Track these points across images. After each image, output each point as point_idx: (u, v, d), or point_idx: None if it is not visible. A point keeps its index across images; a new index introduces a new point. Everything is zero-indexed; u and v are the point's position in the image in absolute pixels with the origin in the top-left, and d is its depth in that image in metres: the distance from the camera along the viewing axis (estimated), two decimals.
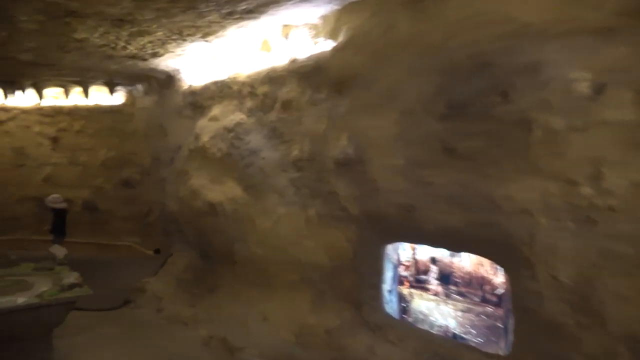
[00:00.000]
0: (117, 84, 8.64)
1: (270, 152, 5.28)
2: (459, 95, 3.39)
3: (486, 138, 3.29)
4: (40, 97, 8.85)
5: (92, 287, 7.15)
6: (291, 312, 4.98)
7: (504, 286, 3.87)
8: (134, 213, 9.12)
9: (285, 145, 5.11)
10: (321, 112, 4.65)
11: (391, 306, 4.43)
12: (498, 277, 4.24)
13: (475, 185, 3.36)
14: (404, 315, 4.62)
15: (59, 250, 5.64)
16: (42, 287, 4.70)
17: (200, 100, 6.65)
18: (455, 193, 3.47)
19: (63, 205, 8.35)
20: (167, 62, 6.64)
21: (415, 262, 4.96)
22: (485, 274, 4.36)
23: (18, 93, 8.58)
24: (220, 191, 5.77)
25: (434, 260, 4.96)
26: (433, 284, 4.86)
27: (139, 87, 8.76)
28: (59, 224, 8.40)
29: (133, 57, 6.28)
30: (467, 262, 4.51)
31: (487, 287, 4.34)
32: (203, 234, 6.21)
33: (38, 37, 5.32)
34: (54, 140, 9.62)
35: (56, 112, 9.51)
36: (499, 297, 4.24)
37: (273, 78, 5.23)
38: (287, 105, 5.06)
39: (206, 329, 5.35)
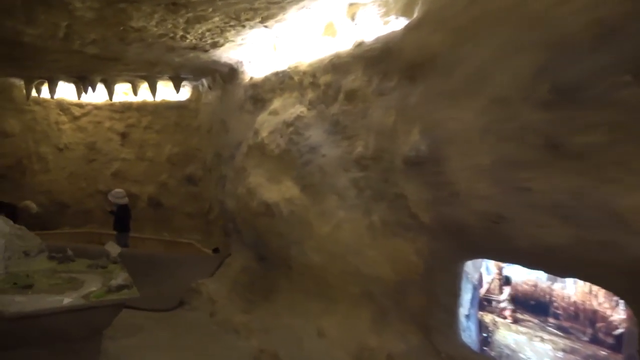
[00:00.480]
0: (183, 79, 8.53)
1: (331, 149, 4.72)
2: (569, 76, 2.62)
3: (608, 131, 2.49)
4: (111, 93, 8.98)
5: (149, 286, 7.00)
6: (350, 330, 4.39)
7: (626, 325, 3.01)
8: (196, 210, 9.01)
9: (347, 141, 4.53)
10: (390, 102, 4.02)
11: (469, 335, 3.70)
12: (617, 313, 3.35)
13: (591, 192, 2.57)
14: (484, 348, 3.86)
15: (113, 248, 5.49)
16: (91, 286, 4.49)
17: (260, 93, 6.25)
18: (562, 202, 2.69)
19: (125, 200, 8.37)
20: (228, 53, 6.33)
21: (499, 283, 4.17)
22: (598, 308, 3.48)
23: (90, 89, 8.75)
24: (277, 191, 5.32)
25: (507, 281, 4.15)
26: (511, 310, 4.07)
27: (204, 81, 8.60)
28: (122, 219, 8.44)
29: (194, 48, 6.01)
30: (573, 290, 3.65)
31: (601, 325, 3.46)
32: (259, 236, 5.80)
33: (97, 28, 5.17)
34: (123, 135, 9.77)
35: (125, 108, 9.66)
36: (618, 338, 3.34)
37: (336, 65, 4.66)
38: (351, 95, 4.47)
39: (258, 340, 4.92)
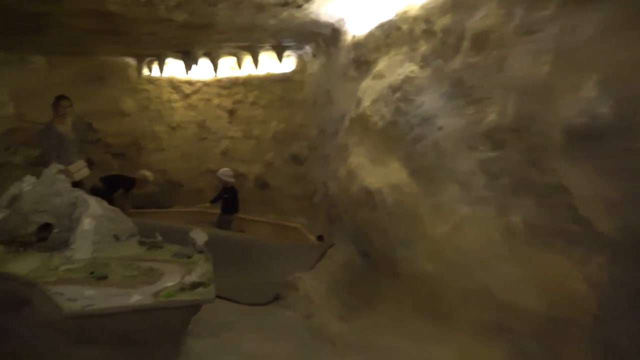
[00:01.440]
0: (286, 48, 7.75)
1: (450, 119, 3.43)
2: None
3: None
4: (215, 67, 8.61)
5: (243, 275, 6.41)
6: None
7: None
8: (301, 192, 8.29)
9: (474, 107, 3.20)
10: (542, 43, 2.61)
11: None
12: None
13: None
14: None
15: (199, 235, 4.94)
16: (168, 280, 3.89)
17: (364, 54, 5.12)
18: None
19: (232, 180, 8.04)
20: (326, 8, 5.29)
21: None
22: None
23: (195, 65, 8.47)
24: (381, 175, 4.20)
25: None
26: None
27: (308, 49, 7.71)
28: (228, 200, 8.09)
29: (285, 4, 5.09)
30: None
31: None
32: (360, 229, 4.77)
33: None
34: (231, 112, 9.42)
35: (232, 84, 9.24)
36: None
37: (459, 1, 3.33)
38: (480, 41, 3.12)
39: None
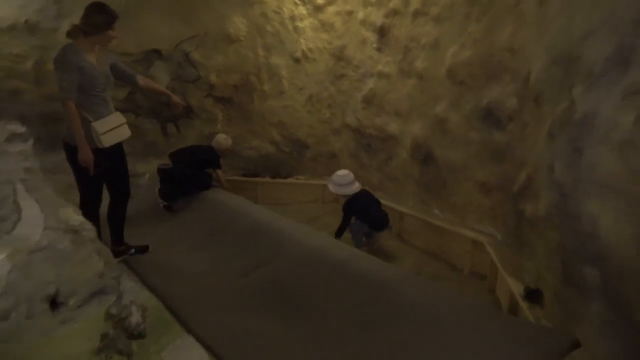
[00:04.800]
0: None
1: None
2: None
3: None
4: None
5: None
6: None
7: None
8: (497, 178, 4.38)
9: None
10: None
11: None
12: None
13: None
14: None
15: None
16: None
17: None
18: None
19: (355, 188, 4.69)
20: None
21: None
22: None
23: None
24: None
25: None
26: None
27: None
28: (362, 211, 4.78)
29: None
30: None
31: None
32: None
33: None
34: (381, 32, 5.74)
35: None
36: None
37: None
38: None
39: None
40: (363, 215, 4.83)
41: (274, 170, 6.67)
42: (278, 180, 6.49)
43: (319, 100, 6.57)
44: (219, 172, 5.65)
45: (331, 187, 4.92)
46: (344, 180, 4.83)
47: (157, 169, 5.68)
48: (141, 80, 4.24)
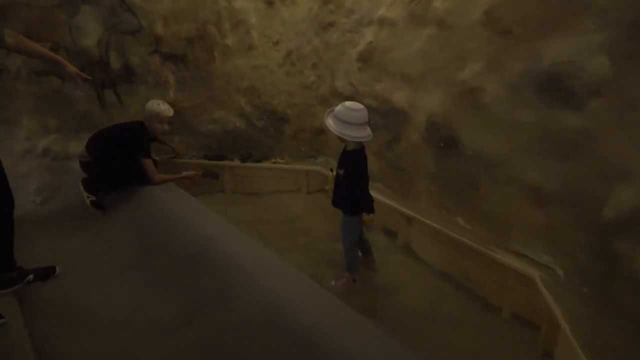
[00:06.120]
0: None
1: None
2: None
3: None
4: None
5: None
6: None
7: None
8: (560, 184, 2.85)
9: None
10: None
11: None
12: None
13: None
14: None
15: None
16: None
17: None
18: None
19: (366, 137, 2.99)
20: None
21: None
22: None
23: None
24: None
25: None
26: None
27: None
28: (350, 174, 3.23)
29: None
30: None
31: None
32: None
33: None
34: None
35: None
36: None
37: None
38: None
39: None
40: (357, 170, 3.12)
41: (245, 151, 5.15)
42: (249, 165, 4.99)
43: (301, 58, 4.92)
44: (146, 161, 4.01)
45: (332, 124, 3.03)
46: (357, 118, 2.98)
47: (79, 161, 4.21)
48: (11, 37, 2.66)
